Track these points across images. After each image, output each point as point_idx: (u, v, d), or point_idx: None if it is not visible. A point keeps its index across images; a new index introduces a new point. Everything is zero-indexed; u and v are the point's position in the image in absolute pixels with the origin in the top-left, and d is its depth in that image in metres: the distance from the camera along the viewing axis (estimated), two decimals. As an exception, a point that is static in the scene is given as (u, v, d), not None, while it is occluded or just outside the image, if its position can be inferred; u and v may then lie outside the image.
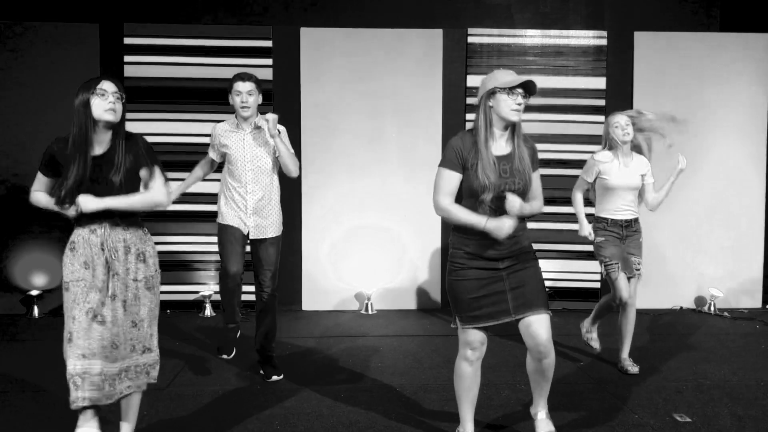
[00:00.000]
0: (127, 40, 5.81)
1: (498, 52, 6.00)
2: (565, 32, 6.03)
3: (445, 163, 2.84)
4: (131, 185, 2.76)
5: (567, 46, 6.01)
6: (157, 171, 2.81)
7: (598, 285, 5.98)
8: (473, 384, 2.98)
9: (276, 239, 4.02)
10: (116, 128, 2.73)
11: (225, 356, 4.11)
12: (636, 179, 4.13)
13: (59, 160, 2.72)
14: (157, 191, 2.80)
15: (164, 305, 5.84)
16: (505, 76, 2.81)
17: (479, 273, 2.83)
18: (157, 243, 5.82)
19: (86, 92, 2.67)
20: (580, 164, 5.60)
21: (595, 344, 4.34)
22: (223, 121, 4.08)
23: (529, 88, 2.81)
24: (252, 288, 4.24)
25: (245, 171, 3.91)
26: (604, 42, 6.03)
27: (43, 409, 3.52)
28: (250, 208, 3.93)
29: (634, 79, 6.07)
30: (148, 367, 2.80)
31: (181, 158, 5.53)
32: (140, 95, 5.83)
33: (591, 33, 6.03)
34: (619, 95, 6.04)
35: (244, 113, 3.90)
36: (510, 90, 2.76)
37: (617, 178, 4.10)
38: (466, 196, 2.86)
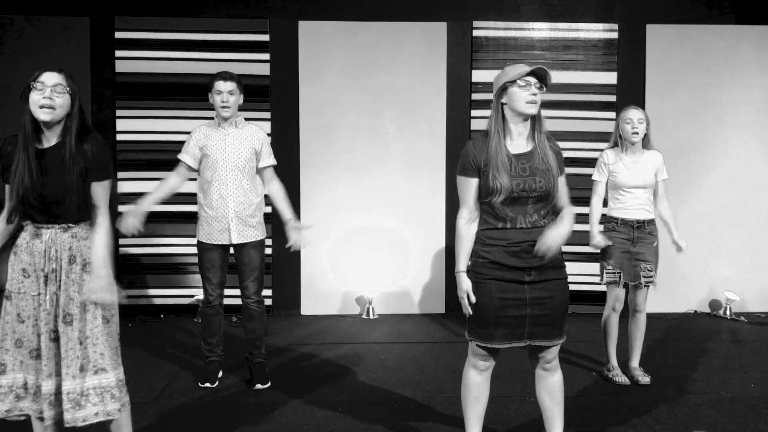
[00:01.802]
0: (119, 34, 5.60)
1: (504, 46, 5.77)
2: (574, 25, 5.79)
3: (460, 170, 2.67)
4: (83, 190, 2.49)
5: (576, 40, 5.79)
6: (104, 204, 2.53)
7: (603, 288, 5.73)
8: (482, 395, 2.78)
9: (259, 243, 3.86)
10: (66, 123, 2.46)
11: (208, 384, 3.84)
12: (648, 176, 3.89)
13: (5, 162, 2.48)
14: (103, 235, 2.50)
15: (157, 310, 5.67)
16: (516, 69, 2.63)
17: (503, 287, 2.61)
18: (148, 245, 5.69)
19: (28, 83, 2.42)
20: (589, 162, 5.38)
21: (620, 379, 3.96)
22: (203, 123, 3.94)
23: (543, 79, 2.61)
24: (237, 291, 4.04)
25: (226, 171, 3.74)
26: (615, 35, 5.80)
27: None
28: (232, 211, 3.75)
29: (646, 73, 5.84)
30: (105, 390, 2.49)
31: (173, 157, 5.30)
32: (132, 91, 5.62)
33: (601, 26, 5.80)
34: (630, 90, 5.80)
35: (224, 113, 3.76)
36: (522, 82, 2.57)
37: (627, 176, 3.87)
38: (482, 199, 2.65)
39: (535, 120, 2.64)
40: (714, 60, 5.84)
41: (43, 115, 2.39)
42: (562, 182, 2.70)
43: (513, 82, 2.58)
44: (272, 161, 3.89)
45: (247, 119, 3.96)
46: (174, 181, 3.81)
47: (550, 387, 2.76)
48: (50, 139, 2.48)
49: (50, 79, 2.40)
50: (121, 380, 2.54)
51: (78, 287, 2.48)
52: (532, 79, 2.58)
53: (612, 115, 5.78)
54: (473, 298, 2.62)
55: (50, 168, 2.44)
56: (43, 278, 2.46)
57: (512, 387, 3.84)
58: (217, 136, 3.79)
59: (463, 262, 2.66)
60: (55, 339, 2.47)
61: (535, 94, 2.57)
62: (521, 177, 2.57)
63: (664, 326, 5.33)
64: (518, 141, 2.64)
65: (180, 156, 3.84)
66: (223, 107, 3.74)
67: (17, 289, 2.48)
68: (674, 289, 5.81)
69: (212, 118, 3.90)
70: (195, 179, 3.93)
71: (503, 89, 2.61)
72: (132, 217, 3.36)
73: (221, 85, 3.75)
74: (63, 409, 2.43)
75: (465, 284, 2.64)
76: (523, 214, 2.60)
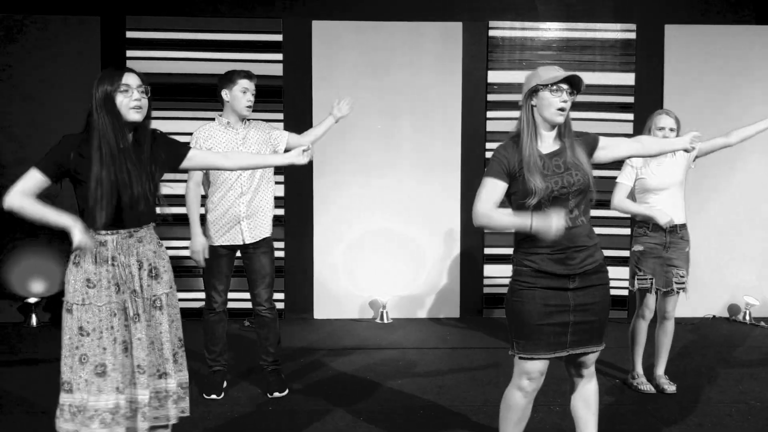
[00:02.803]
0: (130, 34, 5.52)
1: (521, 47, 5.68)
2: (591, 25, 5.70)
3: (489, 172, 2.57)
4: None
5: (594, 40, 5.70)
6: None
7: (626, 292, 5.66)
8: (524, 417, 2.69)
9: (268, 247, 3.79)
10: (143, 123, 2.46)
11: (214, 396, 3.73)
12: (677, 174, 3.78)
13: (73, 162, 2.37)
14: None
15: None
16: (549, 72, 2.55)
17: (546, 294, 2.53)
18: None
19: (109, 86, 2.36)
20: (606, 165, 5.29)
21: (645, 387, 3.88)
22: (209, 121, 3.79)
23: (575, 84, 2.54)
24: (247, 295, 3.97)
25: (239, 171, 3.65)
26: (633, 35, 5.71)
27: (37, 433, 3.23)
28: (243, 212, 3.67)
29: (664, 74, 5.75)
30: (171, 394, 2.48)
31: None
32: (143, 92, 5.53)
33: (619, 26, 5.71)
34: (648, 92, 5.71)
35: (247, 112, 3.68)
36: (554, 87, 2.49)
37: (656, 178, 3.77)
38: (517, 206, 2.57)
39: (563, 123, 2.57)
40: (733, 61, 5.75)
41: (136, 115, 2.39)
42: (605, 139, 2.65)
43: (545, 85, 2.51)
44: (286, 133, 3.82)
45: (260, 119, 3.89)
46: (197, 192, 3.74)
47: (586, 396, 2.69)
48: (126, 142, 2.43)
49: (134, 80, 2.40)
50: (183, 384, 2.54)
51: (147, 293, 2.45)
52: (565, 85, 2.51)
53: (630, 116, 5.69)
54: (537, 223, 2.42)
55: (130, 170, 2.40)
56: (114, 287, 2.39)
57: (537, 395, 3.74)
58: (227, 134, 3.68)
59: (518, 218, 2.47)
60: (125, 350, 2.39)
61: (566, 101, 2.51)
62: (557, 175, 2.50)
63: (684, 332, 5.24)
64: (548, 141, 2.58)
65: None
66: (249, 106, 3.66)
67: (81, 301, 2.39)
68: (692, 293, 5.68)
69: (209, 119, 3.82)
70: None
71: (534, 91, 2.54)
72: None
73: (247, 84, 3.66)
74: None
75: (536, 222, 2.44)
76: (564, 211, 2.51)
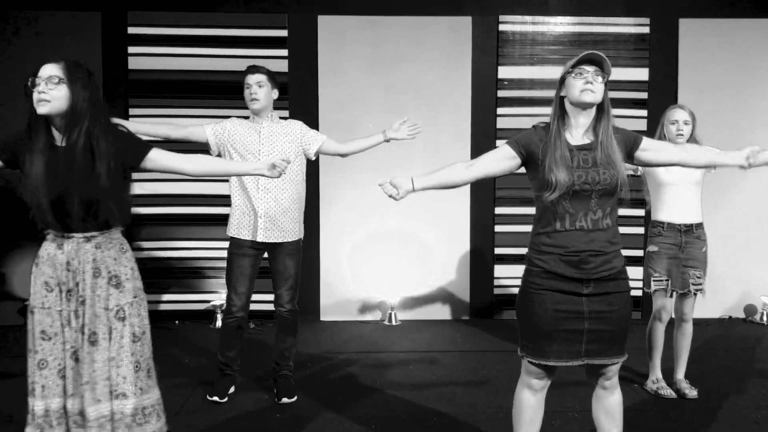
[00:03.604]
0: (131, 30, 5.39)
1: (532, 42, 5.54)
2: (604, 19, 5.56)
3: (509, 141, 2.49)
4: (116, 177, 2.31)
5: (606, 35, 5.56)
6: (179, 157, 2.50)
7: (639, 293, 5.51)
8: (536, 416, 2.56)
9: (294, 248, 3.65)
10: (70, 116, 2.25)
11: (217, 398, 3.58)
12: (696, 173, 3.64)
13: (16, 150, 2.29)
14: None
15: (172, 315, 5.47)
16: (573, 60, 2.45)
17: (557, 298, 2.40)
18: (162, 248, 5.49)
19: (30, 80, 2.26)
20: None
21: (666, 392, 3.73)
22: (240, 117, 3.73)
23: (601, 66, 2.42)
24: (266, 297, 3.83)
25: None
26: (646, 30, 5.57)
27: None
28: (262, 209, 3.54)
29: (678, 69, 5.61)
30: (125, 418, 2.27)
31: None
32: (145, 89, 5.41)
33: (632, 20, 5.57)
34: (662, 87, 5.58)
35: (254, 105, 3.56)
36: (577, 70, 2.39)
37: (671, 174, 3.64)
38: (536, 192, 2.46)
39: (600, 112, 2.44)
40: (750, 55, 5.60)
41: (41, 109, 2.22)
42: (656, 143, 2.55)
43: (569, 72, 2.42)
44: (323, 136, 3.70)
45: (294, 120, 3.80)
46: (172, 129, 3.58)
47: (609, 408, 2.56)
48: (52, 138, 2.29)
49: (46, 71, 2.25)
50: (146, 408, 2.32)
51: (105, 303, 2.28)
52: (589, 67, 2.39)
53: (644, 112, 5.56)
54: (395, 191, 2.47)
55: (68, 168, 2.23)
56: (66, 294, 2.26)
57: (554, 402, 3.59)
58: (251, 129, 3.59)
59: (423, 180, 2.51)
60: (77, 359, 2.26)
61: (590, 82, 2.38)
62: (583, 169, 2.37)
63: (700, 333, 5.08)
64: (579, 133, 2.45)
65: (205, 126, 3.60)
66: (253, 99, 3.55)
67: (41, 304, 2.28)
68: (708, 294, 5.56)
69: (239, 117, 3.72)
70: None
71: (562, 81, 2.46)
72: None
73: (249, 78, 3.57)
74: None
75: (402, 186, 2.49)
76: (585, 210, 2.38)
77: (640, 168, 3.64)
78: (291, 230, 3.63)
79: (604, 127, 2.42)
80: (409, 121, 3.72)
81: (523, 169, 2.51)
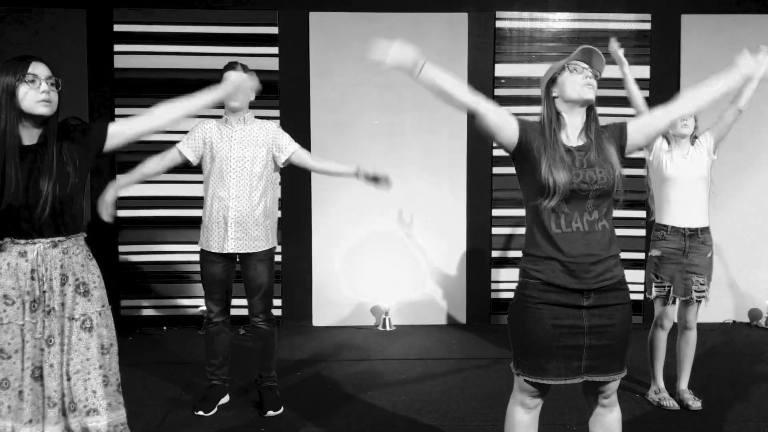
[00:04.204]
0: (117, 27, 5.24)
1: (530, 38, 5.39)
2: (604, 15, 5.41)
3: (517, 117, 2.29)
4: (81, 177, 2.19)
5: (606, 31, 5.38)
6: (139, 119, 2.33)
7: (641, 297, 5.36)
8: None
9: (267, 256, 3.49)
10: (50, 119, 2.16)
11: (202, 413, 3.42)
12: (701, 167, 3.51)
13: None
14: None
15: (160, 321, 5.32)
16: (566, 59, 2.32)
17: (556, 313, 2.24)
18: (150, 252, 5.35)
19: (12, 77, 2.09)
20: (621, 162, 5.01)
21: (668, 403, 3.57)
22: (213, 117, 3.58)
23: (595, 66, 2.29)
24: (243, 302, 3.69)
25: (229, 171, 3.39)
26: (647, 26, 5.42)
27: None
28: (232, 216, 3.38)
29: (681, 67, 5.46)
30: None
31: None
32: (132, 88, 5.26)
33: (633, 16, 5.42)
34: (664, 85, 5.41)
35: (233, 104, 3.39)
36: (572, 65, 2.26)
37: (676, 167, 3.49)
38: (530, 199, 2.28)
39: (590, 111, 2.30)
40: (754, 52, 5.44)
41: (44, 109, 2.10)
42: (645, 116, 2.38)
43: (562, 69, 2.28)
44: (295, 146, 3.51)
45: (255, 116, 3.62)
46: (154, 165, 3.42)
47: (608, 426, 2.41)
48: (33, 138, 2.15)
49: (43, 71, 2.12)
50: (118, 426, 2.17)
51: (71, 312, 2.13)
52: (583, 64, 2.27)
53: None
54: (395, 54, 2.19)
55: (40, 170, 2.10)
56: (30, 304, 2.11)
57: (551, 413, 3.46)
58: (223, 132, 3.44)
59: (434, 69, 2.30)
60: (39, 377, 2.12)
61: (588, 76, 2.25)
62: (579, 169, 2.22)
63: (703, 338, 4.92)
64: (574, 134, 2.30)
65: (178, 146, 3.46)
66: (232, 98, 3.38)
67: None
68: (711, 297, 5.42)
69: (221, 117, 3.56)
70: (199, 181, 3.58)
71: (552, 81, 2.30)
72: (102, 206, 3.05)
73: (232, 76, 3.39)
74: None
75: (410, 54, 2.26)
76: (581, 211, 2.22)
77: (648, 157, 3.56)
78: (262, 239, 3.46)
79: (595, 126, 2.30)
80: (385, 180, 3.51)
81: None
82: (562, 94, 2.27)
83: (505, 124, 2.25)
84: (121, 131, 2.25)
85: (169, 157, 3.46)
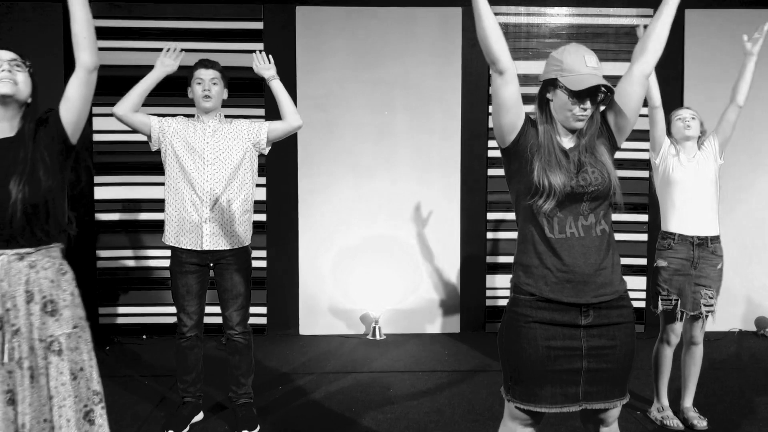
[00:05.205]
0: (96, 22, 4.95)
1: (527, 34, 5.16)
2: (604, 10, 5.19)
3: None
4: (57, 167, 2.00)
5: (607, 27, 5.19)
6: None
7: (642, 304, 5.13)
8: None
9: (243, 261, 3.28)
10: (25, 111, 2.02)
11: None
12: (709, 170, 3.30)
13: None
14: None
15: (139, 330, 5.09)
16: (576, 62, 2.03)
17: (550, 333, 2.01)
18: (128, 258, 5.11)
19: None
20: (621, 163, 4.78)
21: (672, 422, 3.34)
22: (185, 116, 3.38)
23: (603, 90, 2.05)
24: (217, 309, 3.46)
25: (204, 166, 3.19)
26: (649, 21, 5.17)
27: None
28: (206, 214, 3.17)
29: (684, 63, 5.25)
30: None
31: (156, 159, 4.73)
32: (111, 85, 5.00)
33: (634, 11, 5.20)
34: (666, 81, 5.15)
35: (205, 103, 3.24)
36: (575, 93, 2.01)
37: (683, 170, 3.28)
38: (521, 200, 2.07)
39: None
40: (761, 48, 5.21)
41: (6, 87, 1.95)
42: (618, 86, 2.09)
43: (567, 89, 2.01)
44: (266, 123, 3.33)
45: (240, 116, 3.47)
46: (140, 96, 3.34)
47: None
48: (7, 131, 1.99)
49: (6, 55, 2.05)
50: None
51: (38, 334, 1.92)
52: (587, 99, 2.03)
53: (646, 110, 5.15)
54: None
55: (5, 168, 1.91)
56: None
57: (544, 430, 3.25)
58: (197, 127, 3.25)
59: None
60: (12, 401, 1.89)
61: (586, 109, 2.02)
62: (581, 172, 2.02)
63: (708, 348, 4.68)
64: (567, 136, 2.10)
65: (151, 116, 3.30)
66: (205, 96, 3.22)
67: None
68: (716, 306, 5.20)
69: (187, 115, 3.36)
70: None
71: (551, 83, 2.06)
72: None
73: (203, 73, 3.25)
74: None
75: None
76: (575, 215, 2.01)
77: (655, 160, 3.37)
78: (240, 234, 3.26)
79: (587, 127, 2.08)
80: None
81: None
82: (554, 108, 2.07)
83: (517, 106, 2.03)
84: (65, 98, 2.05)
85: (141, 117, 3.28)
